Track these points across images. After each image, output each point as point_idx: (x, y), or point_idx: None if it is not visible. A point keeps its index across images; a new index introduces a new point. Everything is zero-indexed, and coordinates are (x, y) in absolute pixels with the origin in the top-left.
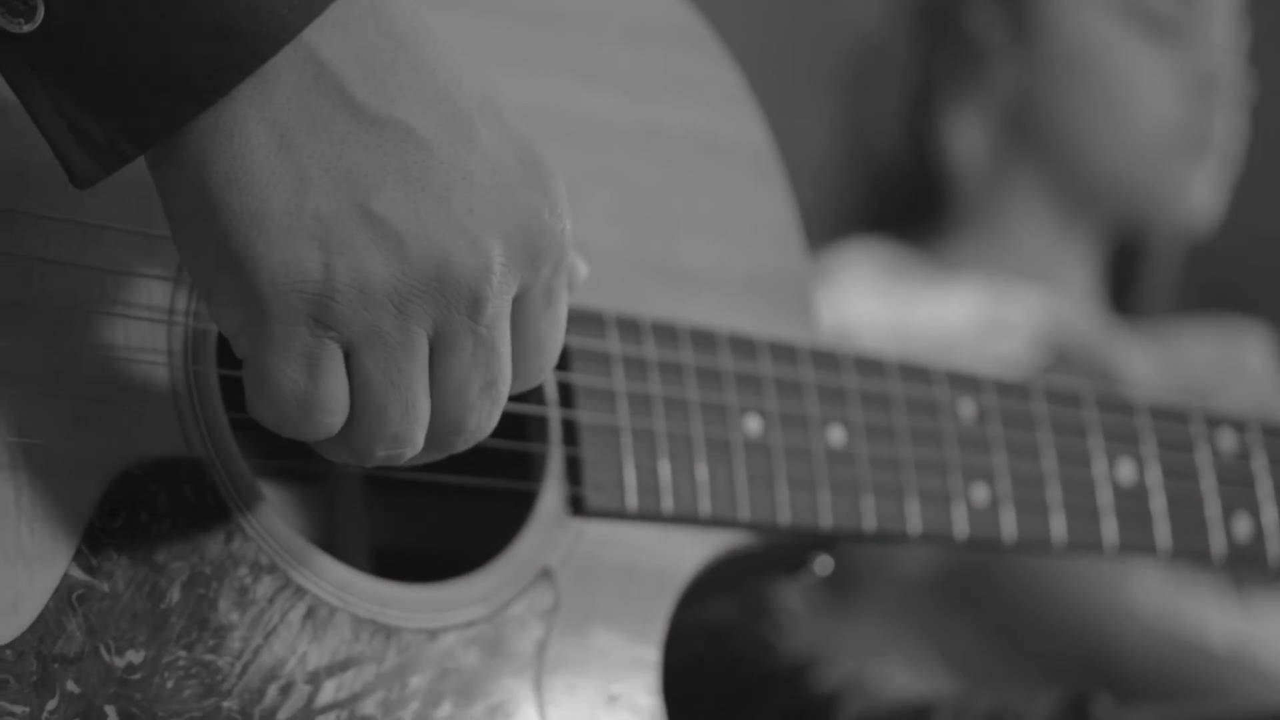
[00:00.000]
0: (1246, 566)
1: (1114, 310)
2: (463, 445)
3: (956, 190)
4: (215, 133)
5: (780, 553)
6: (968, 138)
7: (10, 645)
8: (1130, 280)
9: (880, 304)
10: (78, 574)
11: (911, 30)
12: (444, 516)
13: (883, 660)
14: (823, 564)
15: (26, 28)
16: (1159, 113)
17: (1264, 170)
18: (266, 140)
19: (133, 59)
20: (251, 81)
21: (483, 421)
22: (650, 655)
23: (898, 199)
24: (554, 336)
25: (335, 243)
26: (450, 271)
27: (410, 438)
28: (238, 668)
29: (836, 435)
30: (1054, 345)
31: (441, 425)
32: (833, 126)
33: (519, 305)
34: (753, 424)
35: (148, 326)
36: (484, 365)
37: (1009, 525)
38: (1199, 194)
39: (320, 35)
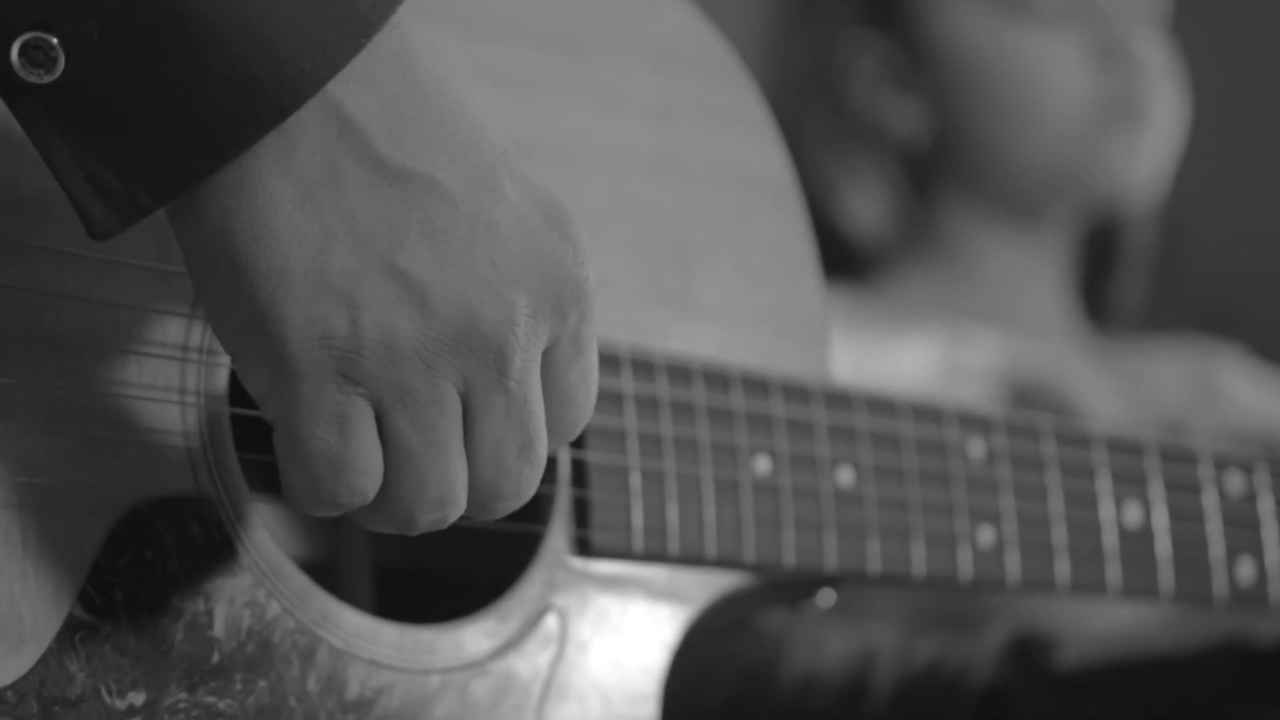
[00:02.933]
0: (1247, 610)
1: (1088, 318)
2: (503, 511)
3: (869, 247)
4: (238, 188)
5: (784, 589)
6: (868, 192)
7: (11, 687)
8: (1103, 285)
9: (835, 355)
10: (82, 614)
11: (784, 98)
12: (448, 552)
13: (818, 618)
14: (825, 597)
15: (46, 79)
16: (1069, 94)
17: (1250, 176)
18: (290, 196)
19: (153, 112)
20: (274, 136)
21: (522, 486)
22: (650, 691)
23: (830, 255)
24: (585, 388)
25: (361, 298)
26: (476, 325)
27: (453, 498)
28: (237, 710)
29: (845, 476)
30: (1014, 386)
31: (480, 491)
32: None
33: (548, 358)
34: (762, 464)
35: (160, 363)
36: (518, 425)
37: (1013, 567)
38: (1141, 165)
39: (344, 89)
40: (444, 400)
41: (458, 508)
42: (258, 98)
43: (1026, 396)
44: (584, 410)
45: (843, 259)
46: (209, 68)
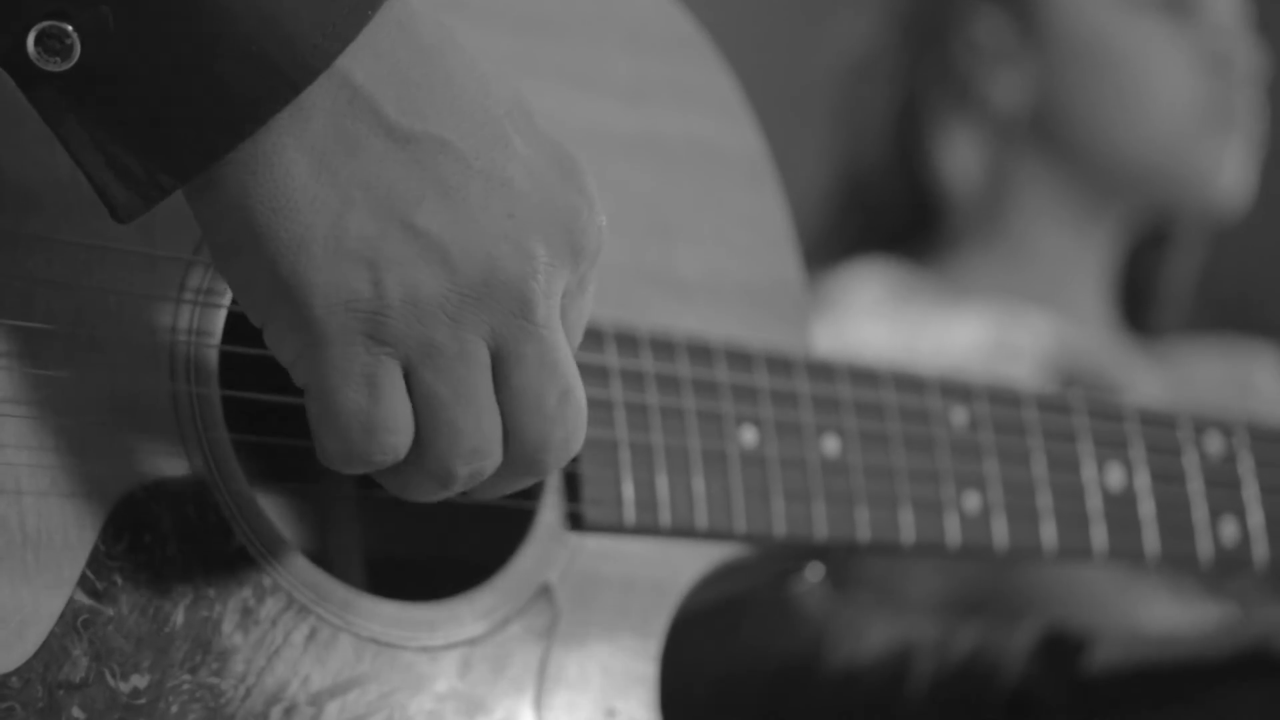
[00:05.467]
0: (1232, 572)
1: (1128, 324)
2: (555, 463)
3: (952, 210)
4: (254, 162)
5: (774, 562)
6: (960, 156)
7: (16, 672)
8: (1146, 293)
9: (887, 328)
10: (83, 599)
11: (898, 48)
12: (442, 530)
13: (860, 607)
14: (814, 570)
15: (62, 66)
16: (1179, 93)
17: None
18: (306, 167)
19: (169, 94)
20: (288, 110)
21: (570, 432)
22: (648, 669)
23: (893, 221)
24: (581, 323)
25: (383, 260)
26: (497, 276)
27: (488, 449)
28: (241, 690)
29: (831, 445)
30: (1061, 369)
31: (527, 445)
32: (823, 149)
33: (562, 302)
34: (748, 435)
35: (150, 347)
36: (552, 371)
37: (1000, 533)
38: (1228, 173)
39: (353, 60)
40: (471, 354)
41: (493, 459)
42: (271, 74)
43: (1073, 380)
44: (576, 341)
45: (921, 214)
46: (222, 48)
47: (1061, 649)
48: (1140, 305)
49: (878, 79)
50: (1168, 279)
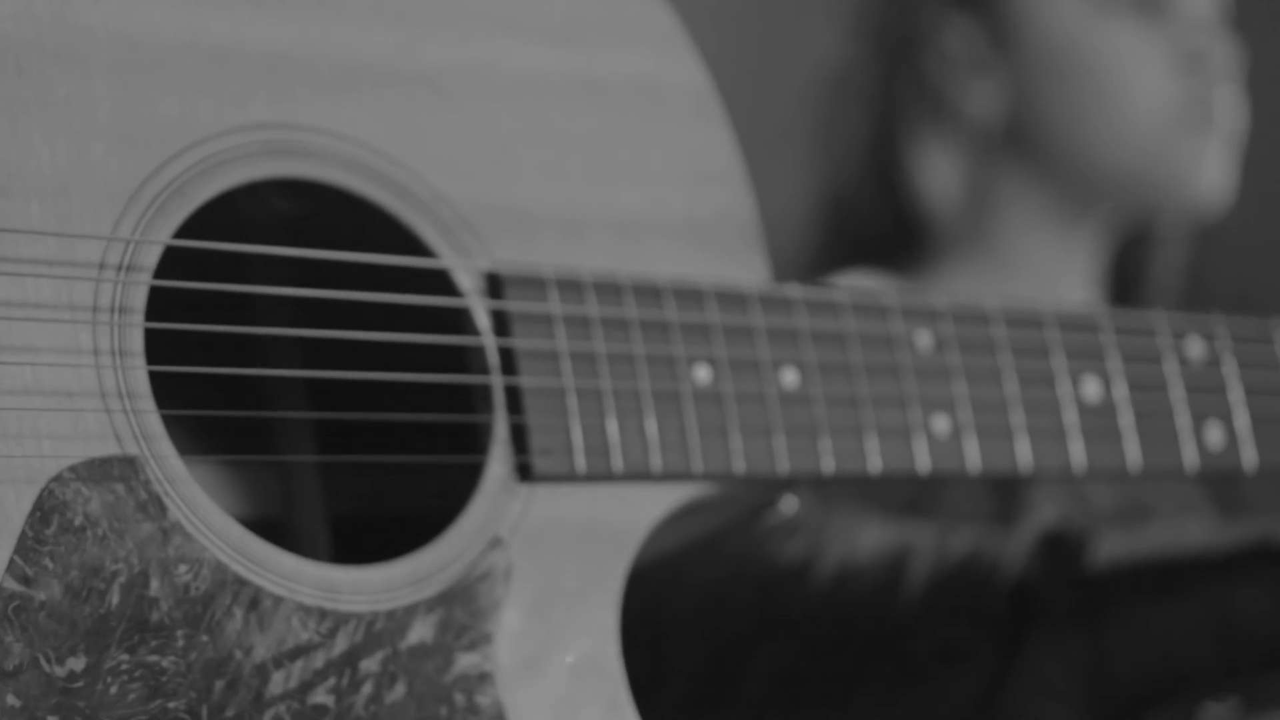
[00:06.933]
0: (1220, 479)
1: None
2: None
3: (934, 222)
4: None
5: (742, 500)
6: (938, 168)
7: None
8: (1134, 291)
9: None
10: (12, 585)
11: (870, 63)
12: (395, 492)
13: (851, 514)
14: (788, 503)
15: None
16: (1154, 94)
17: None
18: None
19: None
20: None
21: None
22: (608, 619)
23: (875, 236)
24: None
25: None
26: None
27: None
28: (182, 666)
29: (789, 378)
30: None
31: None
32: (802, 165)
33: None
34: (702, 374)
35: (70, 328)
36: None
37: (972, 454)
38: (1209, 171)
39: None
40: None
41: None
42: None
43: None
44: None
45: (902, 230)
46: None
47: (1062, 547)
48: (1129, 304)
49: (852, 95)
50: (1155, 276)
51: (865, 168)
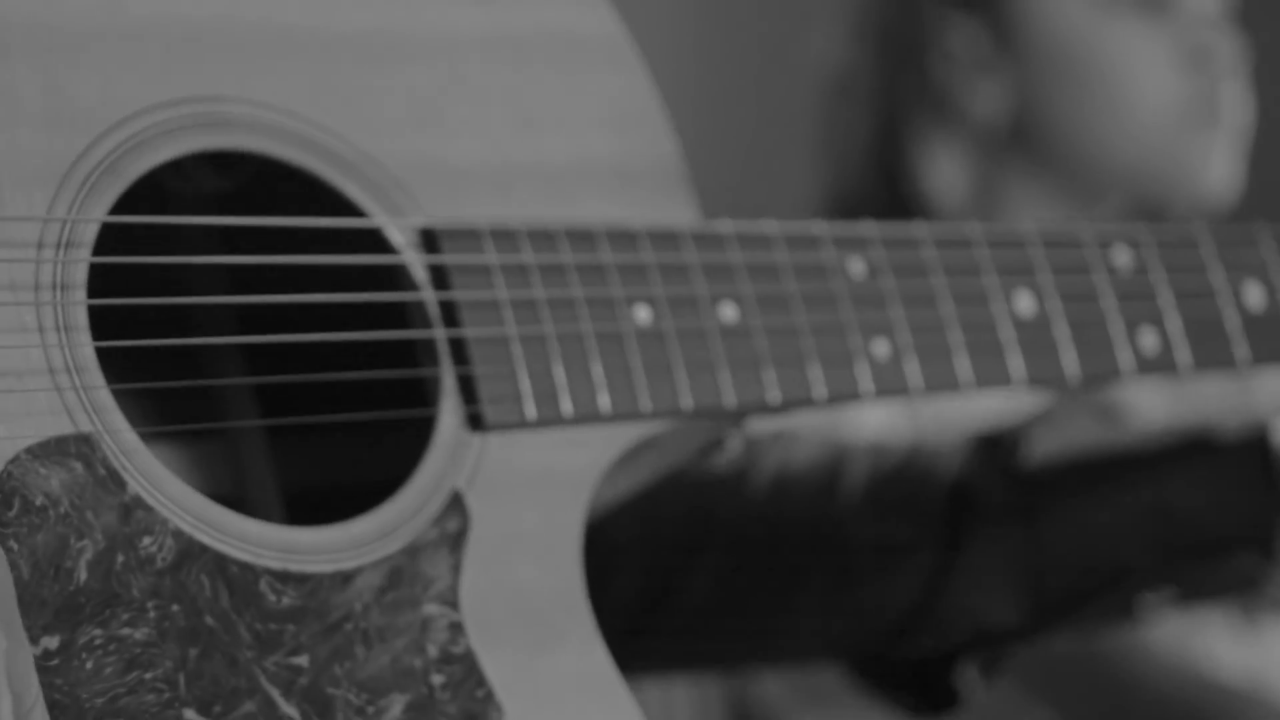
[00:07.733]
0: (1160, 379)
1: None
2: None
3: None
4: None
5: (692, 437)
6: (944, 169)
7: None
8: None
9: None
10: None
11: (874, 64)
12: (351, 455)
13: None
14: (735, 440)
15: None
16: (1160, 91)
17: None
18: None
19: None
20: None
21: None
22: (570, 567)
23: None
24: None
25: None
26: None
27: None
28: (155, 637)
29: (728, 312)
30: None
31: None
32: (808, 168)
33: None
34: (642, 313)
35: (13, 309)
36: None
37: (914, 375)
38: (1216, 167)
39: None
40: None
41: None
42: None
43: (1071, 394)
44: None
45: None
46: None
47: (998, 445)
48: None
49: (857, 96)
50: None
51: (871, 168)
